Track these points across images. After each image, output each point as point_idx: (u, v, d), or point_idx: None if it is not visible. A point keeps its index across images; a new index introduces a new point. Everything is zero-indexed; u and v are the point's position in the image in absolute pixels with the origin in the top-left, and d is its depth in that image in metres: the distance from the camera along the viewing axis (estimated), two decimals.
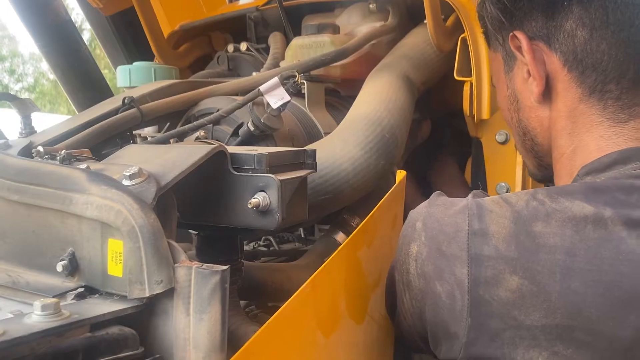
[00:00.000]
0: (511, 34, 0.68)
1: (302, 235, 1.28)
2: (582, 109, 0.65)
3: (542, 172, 0.77)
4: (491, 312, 0.56)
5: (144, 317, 0.50)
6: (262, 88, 0.83)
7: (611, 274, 0.54)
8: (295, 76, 0.84)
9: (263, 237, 1.25)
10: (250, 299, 0.89)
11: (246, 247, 1.21)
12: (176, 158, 0.61)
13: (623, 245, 0.55)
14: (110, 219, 0.51)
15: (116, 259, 0.51)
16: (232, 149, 0.68)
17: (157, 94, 0.94)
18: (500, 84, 0.77)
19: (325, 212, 0.87)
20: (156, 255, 0.49)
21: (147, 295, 0.49)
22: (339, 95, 1.18)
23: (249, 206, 0.61)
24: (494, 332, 0.56)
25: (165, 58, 1.38)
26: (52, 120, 0.93)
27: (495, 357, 0.56)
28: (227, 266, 0.49)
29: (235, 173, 0.63)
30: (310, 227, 1.23)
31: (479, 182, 1.15)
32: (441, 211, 0.63)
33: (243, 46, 1.35)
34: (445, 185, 1.25)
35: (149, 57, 1.43)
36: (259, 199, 0.61)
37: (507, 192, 1.09)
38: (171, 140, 0.94)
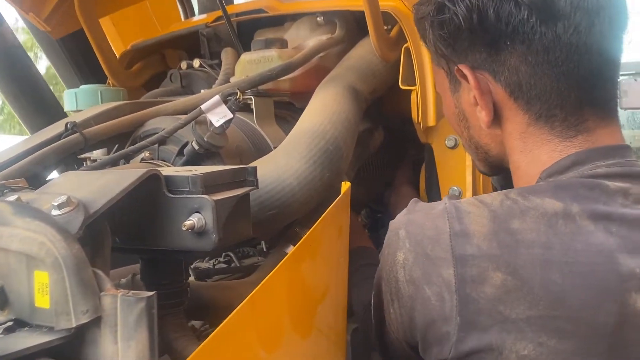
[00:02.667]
0: (456, 67, 0.70)
1: (265, 249, 1.28)
2: (531, 130, 0.68)
3: (493, 172, 0.81)
4: (479, 309, 0.58)
5: (73, 348, 0.50)
6: (203, 107, 0.83)
7: (586, 265, 0.58)
8: (237, 93, 0.84)
9: (224, 254, 1.25)
10: (203, 319, 0.88)
11: (205, 265, 1.20)
12: (108, 184, 0.60)
13: (592, 238, 0.59)
14: (34, 251, 0.51)
15: (42, 290, 0.51)
16: (168, 171, 0.68)
17: (101, 117, 0.93)
18: (447, 100, 0.79)
19: (274, 227, 0.88)
20: (80, 285, 0.49)
21: (74, 325, 0.49)
22: (292, 108, 1.19)
23: (184, 228, 0.61)
24: (482, 328, 0.58)
25: (118, 78, 1.37)
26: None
27: (484, 352, 0.58)
28: (153, 292, 0.49)
29: (170, 195, 0.63)
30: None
31: (433, 187, 1.17)
32: (421, 216, 0.65)
33: (196, 63, 1.36)
34: (399, 205, 1.26)
35: (102, 78, 1.42)
36: (193, 220, 0.61)
37: (459, 195, 1.11)
38: (120, 162, 0.94)
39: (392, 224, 0.69)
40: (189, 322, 0.93)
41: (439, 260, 0.61)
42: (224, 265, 1.21)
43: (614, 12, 0.64)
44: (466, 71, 0.69)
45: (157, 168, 0.76)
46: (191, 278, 1.06)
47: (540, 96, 0.66)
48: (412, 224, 0.65)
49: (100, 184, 0.61)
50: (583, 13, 0.63)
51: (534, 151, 0.68)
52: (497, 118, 0.70)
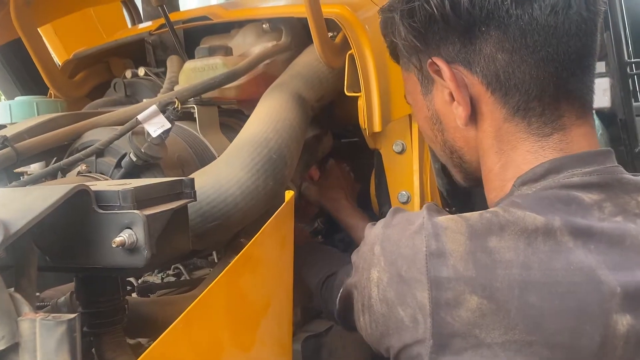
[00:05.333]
0: (429, 60, 0.67)
1: (216, 261, 1.26)
2: (508, 127, 0.66)
3: (468, 182, 0.78)
4: (453, 333, 0.57)
5: None
6: (140, 117, 0.81)
7: (565, 285, 0.55)
8: (175, 102, 0.82)
9: (173, 266, 1.22)
10: (145, 336, 0.86)
11: (153, 278, 1.18)
12: (33, 201, 0.58)
13: (572, 256, 0.56)
14: None
15: None
16: (100, 186, 0.65)
17: (36, 129, 0.89)
18: (419, 105, 0.76)
19: (218, 238, 0.86)
20: None
21: None
22: (240, 116, 1.18)
23: (114, 245, 0.59)
24: (455, 351, 0.57)
25: (60, 89, 1.32)
26: None
27: None
28: (74, 315, 0.47)
29: (100, 211, 0.61)
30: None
31: (382, 192, 1.17)
32: (398, 232, 0.63)
33: (141, 71, 1.32)
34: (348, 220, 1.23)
35: (45, 89, 1.37)
36: (124, 237, 0.59)
37: (408, 200, 1.11)
38: (59, 176, 0.90)
39: (368, 236, 0.67)
40: (134, 340, 0.91)
41: (414, 281, 0.59)
42: (173, 279, 1.18)
43: None
44: (440, 64, 0.66)
45: (91, 182, 0.73)
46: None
47: (519, 86, 0.63)
48: (387, 241, 0.63)
49: (26, 201, 0.58)
50: None
51: (509, 152, 0.66)
52: (472, 116, 0.67)
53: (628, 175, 0.64)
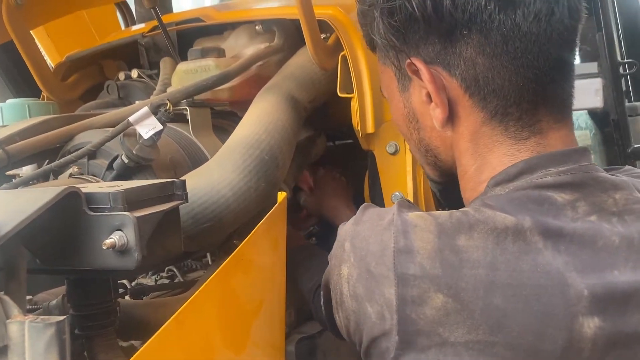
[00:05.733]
0: (408, 60, 0.66)
1: (210, 262, 1.25)
2: (485, 130, 0.65)
3: (442, 179, 0.77)
4: (418, 330, 0.57)
5: None
6: (131, 118, 0.81)
7: (530, 287, 0.55)
8: (166, 104, 0.82)
9: (166, 268, 1.22)
10: (138, 338, 0.86)
11: (147, 280, 1.17)
12: (24, 203, 0.58)
13: (540, 257, 0.56)
14: None
15: None
16: (91, 188, 0.65)
17: (27, 132, 0.89)
18: (395, 101, 0.75)
19: (210, 240, 0.86)
20: None
21: None
22: (233, 118, 1.18)
23: (104, 247, 0.59)
24: (420, 349, 0.57)
25: (53, 91, 1.32)
26: None
27: None
28: (63, 317, 0.46)
29: (91, 213, 0.61)
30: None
31: (376, 193, 1.17)
32: (368, 228, 0.63)
33: (134, 73, 1.32)
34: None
35: (38, 91, 1.37)
36: (114, 238, 0.59)
37: None
38: (51, 178, 0.90)
39: (340, 233, 0.67)
40: (127, 342, 0.91)
41: (382, 277, 0.59)
42: (167, 281, 1.18)
43: (573, 0, 0.62)
44: (419, 65, 0.65)
45: (83, 184, 0.73)
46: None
47: (497, 91, 0.62)
48: (357, 237, 0.63)
49: (17, 203, 0.58)
50: (543, 0, 0.60)
51: (485, 155, 0.65)
52: (449, 118, 0.66)
53: (604, 173, 0.63)
